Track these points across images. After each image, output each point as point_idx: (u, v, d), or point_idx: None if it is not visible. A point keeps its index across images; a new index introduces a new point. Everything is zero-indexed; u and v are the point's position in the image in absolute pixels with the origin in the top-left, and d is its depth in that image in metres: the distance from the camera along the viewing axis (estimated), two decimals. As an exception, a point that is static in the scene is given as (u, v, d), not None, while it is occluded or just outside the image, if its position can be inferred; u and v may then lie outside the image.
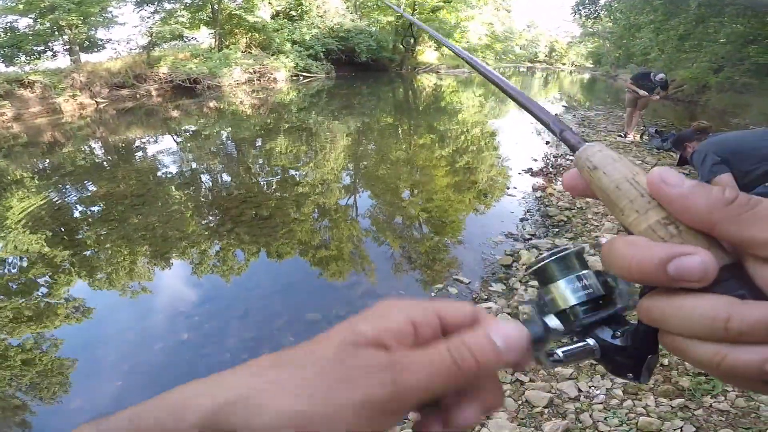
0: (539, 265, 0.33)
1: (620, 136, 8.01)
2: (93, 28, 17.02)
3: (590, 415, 1.96)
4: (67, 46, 16.47)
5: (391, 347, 0.26)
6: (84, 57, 17.02)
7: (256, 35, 21.42)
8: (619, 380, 2.14)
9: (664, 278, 0.23)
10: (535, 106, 0.40)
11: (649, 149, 7.02)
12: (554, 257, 0.33)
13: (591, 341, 0.31)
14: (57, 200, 5.61)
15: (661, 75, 7.14)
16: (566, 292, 0.32)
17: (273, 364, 0.26)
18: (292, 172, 6.66)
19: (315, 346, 0.27)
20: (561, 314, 0.32)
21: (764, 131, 3.09)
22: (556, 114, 0.36)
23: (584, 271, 0.32)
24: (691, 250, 0.23)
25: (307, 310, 3.12)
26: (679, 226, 0.25)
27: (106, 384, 2.54)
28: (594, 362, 0.32)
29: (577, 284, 0.32)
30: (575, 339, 0.32)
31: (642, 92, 7.16)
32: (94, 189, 6.02)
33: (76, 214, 5.17)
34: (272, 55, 20.54)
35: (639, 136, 7.76)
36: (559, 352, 0.31)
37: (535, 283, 3.09)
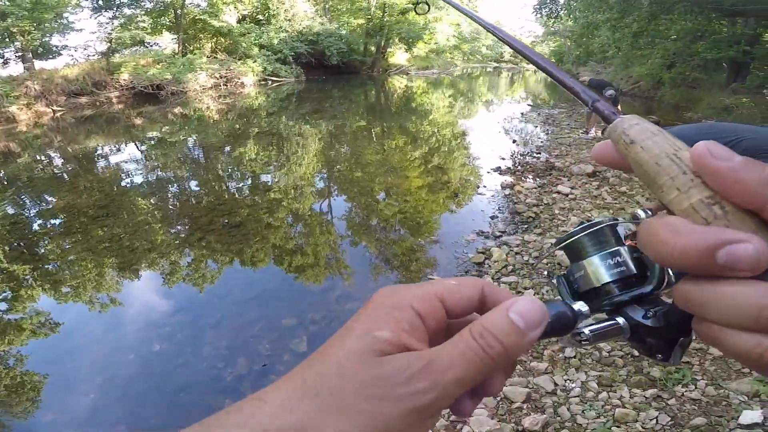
0: (571, 239, 0.32)
1: (583, 132, 8.27)
2: (47, 35, 16.33)
3: (568, 409, 1.99)
4: (20, 53, 15.73)
5: (413, 346, 0.26)
6: (38, 64, 16.30)
7: (222, 40, 21.04)
8: (593, 372, 2.19)
9: (712, 266, 0.22)
10: (565, 77, 0.39)
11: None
12: (588, 231, 0.32)
13: (621, 320, 0.30)
14: (14, 213, 5.35)
15: (611, 91, 7.52)
16: (600, 268, 0.31)
17: (305, 394, 0.24)
18: (264, 178, 6.57)
19: (336, 359, 0.25)
20: (592, 291, 0.31)
21: (709, 124, 3.25)
22: (587, 84, 0.35)
23: (618, 247, 0.31)
24: (744, 236, 0.21)
25: (282, 316, 3.08)
26: (725, 207, 0.23)
27: (79, 397, 2.48)
28: (622, 342, 0.31)
29: (611, 261, 0.31)
30: (605, 317, 0.31)
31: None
32: (54, 201, 5.77)
33: (36, 228, 4.94)
34: (239, 59, 20.20)
35: (601, 132, 8.02)
36: (587, 330, 0.30)
37: (508, 279, 3.16)
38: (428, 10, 1.26)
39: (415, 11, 1.34)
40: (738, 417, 1.83)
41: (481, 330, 0.26)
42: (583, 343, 0.30)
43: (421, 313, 0.27)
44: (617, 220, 0.33)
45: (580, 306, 0.30)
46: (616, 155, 0.29)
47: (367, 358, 0.25)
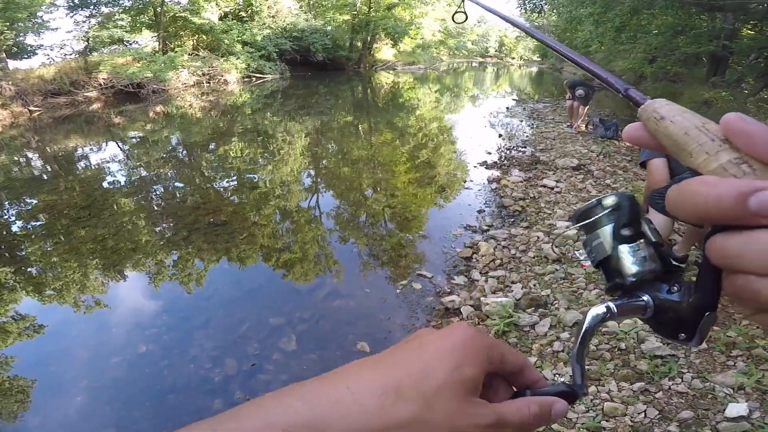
0: (587, 209, 0.33)
1: (567, 126, 8.35)
2: (21, 34, 15.92)
3: (558, 403, 1.99)
4: (-7, 53, 15.29)
5: (481, 385, 0.32)
6: (12, 64, 15.87)
7: (204, 37, 20.71)
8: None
9: (744, 214, 0.23)
10: (597, 68, 0.41)
11: (594, 138, 7.36)
12: (601, 201, 0.33)
13: (645, 297, 0.30)
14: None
15: (580, 91, 7.72)
16: (611, 237, 0.31)
17: (400, 397, 0.28)
18: (249, 175, 6.49)
19: (429, 377, 0.30)
20: (607, 260, 0.31)
21: None
22: (615, 74, 0.38)
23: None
24: None
25: (270, 315, 3.06)
26: (753, 165, 0.24)
27: (66, 400, 2.44)
28: (642, 321, 0.32)
29: (626, 231, 0.31)
30: (627, 295, 0.31)
31: (571, 103, 7.91)
32: (34, 202, 5.63)
33: (15, 230, 4.82)
34: (222, 56, 19.90)
35: (584, 126, 8.12)
36: (612, 305, 0.31)
37: (496, 273, 3.17)
38: (466, 20, 1.27)
39: (453, 19, 1.35)
40: (724, 410, 1.84)
41: (536, 412, 0.33)
42: (607, 319, 0.31)
43: (492, 360, 0.33)
44: (633, 194, 0.34)
45: (577, 388, 0.34)
46: (645, 134, 0.31)
47: (460, 392, 0.29)
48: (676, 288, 0.29)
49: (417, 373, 0.30)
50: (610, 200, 0.33)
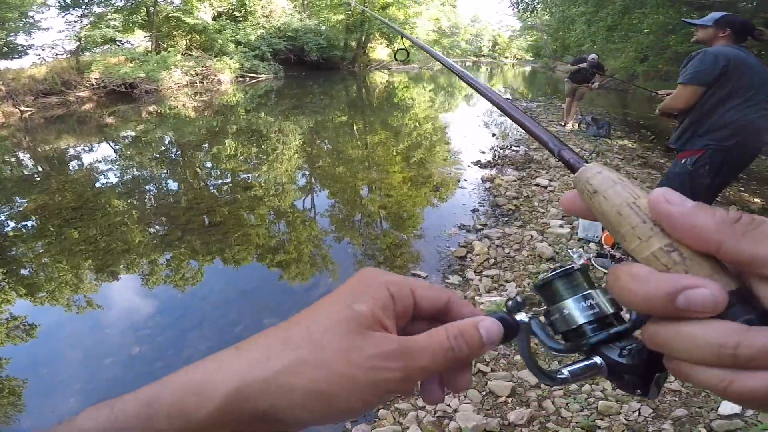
0: (545, 282, 0.33)
1: (560, 125, 8.39)
2: (12, 34, 15.74)
3: (552, 402, 1.99)
4: (-17, 53, 15.13)
5: (384, 321, 0.29)
6: (3, 63, 15.72)
7: (197, 37, 20.59)
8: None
9: (673, 310, 0.23)
10: (532, 123, 0.40)
11: (587, 137, 7.39)
12: (560, 275, 0.33)
13: (598, 359, 0.31)
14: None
15: (593, 55, 7.52)
16: (574, 311, 0.31)
17: (286, 346, 0.28)
18: (243, 175, 6.46)
19: (318, 320, 0.29)
20: (568, 333, 0.32)
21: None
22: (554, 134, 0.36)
23: (591, 290, 0.32)
24: (700, 282, 0.23)
25: (265, 315, 3.05)
26: (683, 253, 0.24)
27: (59, 401, 2.43)
28: (601, 379, 0.32)
29: (584, 303, 0.31)
30: (582, 357, 0.32)
31: (569, 100, 7.84)
32: (25, 203, 5.57)
33: (7, 231, 4.76)
34: (215, 56, 19.79)
35: (577, 124, 8.16)
36: (565, 371, 0.31)
37: (490, 272, 3.17)
38: (407, 57, 1.29)
39: (395, 57, 1.39)
40: (717, 408, 1.86)
41: (456, 333, 0.30)
42: (562, 382, 0.32)
43: (393, 295, 0.31)
44: (587, 264, 0.34)
45: (522, 317, 0.32)
46: (582, 205, 0.30)
47: (352, 327, 0.28)
48: (626, 351, 0.30)
49: (307, 320, 0.30)
50: (567, 273, 0.33)
